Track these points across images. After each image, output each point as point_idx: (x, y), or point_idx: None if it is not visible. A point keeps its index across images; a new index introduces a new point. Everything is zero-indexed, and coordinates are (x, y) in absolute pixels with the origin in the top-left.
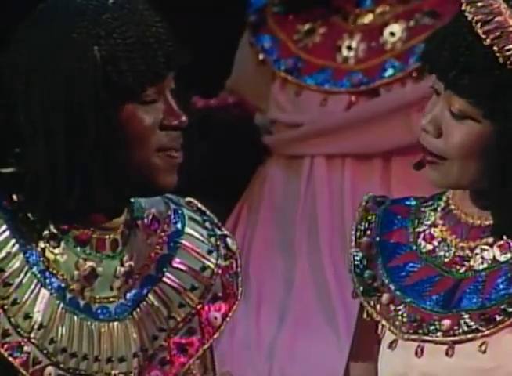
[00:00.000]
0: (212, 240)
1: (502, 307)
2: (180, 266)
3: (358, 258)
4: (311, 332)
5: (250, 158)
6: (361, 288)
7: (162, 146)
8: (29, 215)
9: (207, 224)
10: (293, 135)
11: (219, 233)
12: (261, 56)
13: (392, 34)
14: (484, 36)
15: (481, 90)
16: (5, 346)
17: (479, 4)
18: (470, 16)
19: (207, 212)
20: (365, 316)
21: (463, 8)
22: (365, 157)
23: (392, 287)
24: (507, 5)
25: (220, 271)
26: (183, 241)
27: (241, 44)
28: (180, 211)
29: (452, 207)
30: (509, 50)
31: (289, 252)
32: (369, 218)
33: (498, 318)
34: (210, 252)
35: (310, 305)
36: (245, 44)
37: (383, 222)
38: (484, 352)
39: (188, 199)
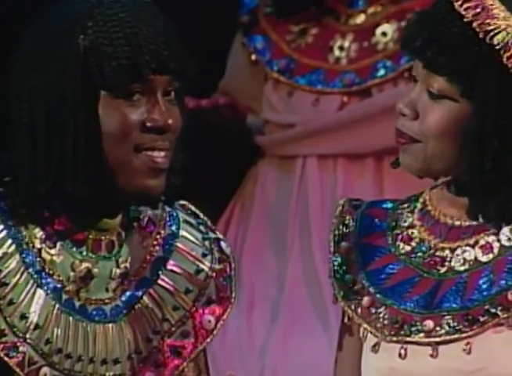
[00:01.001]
0: (206, 243)
1: (486, 308)
2: (175, 269)
3: (337, 262)
4: (303, 331)
5: (240, 159)
6: (341, 293)
7: (141, 145)
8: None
9: (202, 227)
10: (286, 136)
11: (213, 236)
12: (253, 57)
13: (384, 34)
14: (464, 12)
15: (460, 66)
16: (1, 346)
17: None
18: None
19: (201, 215)
20: (346, 320)
21: None
22: (358, 157)
23: (372, 290)
24: None
25: (214, 274)
26: (178, 244)
27: (234, 45)
28: (175, 214)
29: (430, 207)
30: (489, 25)
31: (281, 252)
32: (347, 222)
33: (482, 319)
34: (204, 255)
35: (302, 305)
36: (238, 45)
37: (361, 225)
38: (469, 353)
39: (182, 202)
